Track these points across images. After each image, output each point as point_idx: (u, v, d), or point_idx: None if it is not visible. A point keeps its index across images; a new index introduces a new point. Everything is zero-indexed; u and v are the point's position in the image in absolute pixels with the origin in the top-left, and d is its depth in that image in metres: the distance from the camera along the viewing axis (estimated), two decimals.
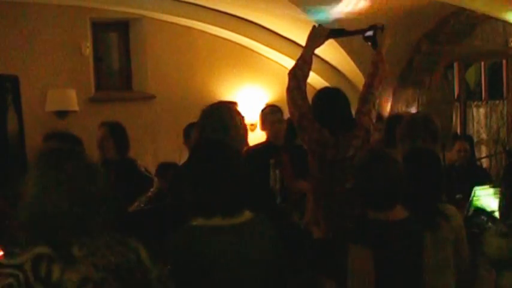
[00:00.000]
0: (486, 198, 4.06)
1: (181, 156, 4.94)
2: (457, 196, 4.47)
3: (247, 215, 2.37)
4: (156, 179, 4.53)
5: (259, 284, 2.34)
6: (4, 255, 2.67)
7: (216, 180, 2.33)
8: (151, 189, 4.41)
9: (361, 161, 2.86)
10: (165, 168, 5.72)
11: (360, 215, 2.83)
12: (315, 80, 7.78)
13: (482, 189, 4.16)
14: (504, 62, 7.21)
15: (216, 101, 7.73)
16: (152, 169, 5.34)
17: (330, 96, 3.81)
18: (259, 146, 5.27)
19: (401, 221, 2.72)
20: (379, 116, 5.60)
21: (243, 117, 3.36)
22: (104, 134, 4.69)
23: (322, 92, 3.89)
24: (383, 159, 2.77)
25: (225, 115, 3.24)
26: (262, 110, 5.55)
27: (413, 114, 5.74)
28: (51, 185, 1.84)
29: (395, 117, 4.62)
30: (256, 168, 4.66)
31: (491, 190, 4.15)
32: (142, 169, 4.73)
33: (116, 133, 4.70)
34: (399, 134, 3.70)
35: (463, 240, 3.09)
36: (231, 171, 2.35)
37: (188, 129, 5.05)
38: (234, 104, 3.51)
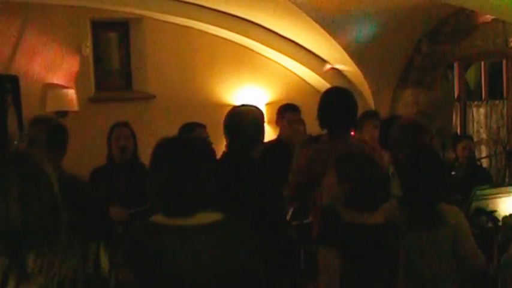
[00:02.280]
0: (486, 198, 4.05)
1: None
2: (456, 197, 4.47)
3: (207, 217, 2.27)
4: None
5: None
6: None
7: (168, 177, 2.26)
8: None
9: (349, 160, 2.81)
10: None
11: (328, 217, 2.80)
12: (315, 80, 7.79)
13: (483, 189, 4.15)
14: (504, 62, 7.21)
15: (215, 101, 7.80)
16: None
17: (335, 97, 3.81)
18: (273, 142, 5.28)
19: (378, 225, 2.70)
20: (375, 113, 5.61)
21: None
22: (127, 135, 4.55)
23: (328, 93, 3.90)
24: (370, 160, 2.78)
25: (261, 118, 3.36)
26: (282, 106, 5.57)
27: (406, 120, 5.71)
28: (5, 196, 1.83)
29: (390, 119, 4.65)
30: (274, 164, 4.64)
31: (492, 190, 4.14)
32: None
33: (134, 134, 4.61)
34: (392, 140, 3.72)
35: (466, 240, 3.07)
36: (187, 170, 2.27)
37: (183, 130, 5.00)
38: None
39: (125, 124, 4.62)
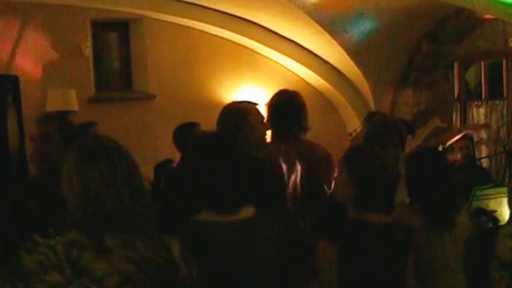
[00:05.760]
0: (486, 198, 4.05)
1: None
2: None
3: (248, 211, 2.35)
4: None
5: (260, 282, 2.32)
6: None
7: (215, 175, 2.31)
8: None
9: (359, 158, 2.79)
10: (160, 166, 5.72)
11: (339, 213, 2.80)
12: (315, 79, 7.79)
13: (483, 189, 4.15)
14: (504, 62, 7.21)
15: (215, 101, 7.80)
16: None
17: (280, 99, 3.67)
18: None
19: (384, 225, 2.68)
20: (378, 114, 5.61)
21: (262, 117, 3.32)
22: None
23: (276, 95, 3.73)
24: (381, 159, 2.75)
25: (237, 115, 3.23)
26: None
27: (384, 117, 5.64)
28: (95, 180, 1.88)
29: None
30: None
31: (492, 190, 4.14)
32: None
33: None
34: (367, 135, 3.69)
35: (474, 240, 3.07)
36: (229, 167, 2.32)
37: (183, 130, 4.95)
38: (253, 104, 3.43)
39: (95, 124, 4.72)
